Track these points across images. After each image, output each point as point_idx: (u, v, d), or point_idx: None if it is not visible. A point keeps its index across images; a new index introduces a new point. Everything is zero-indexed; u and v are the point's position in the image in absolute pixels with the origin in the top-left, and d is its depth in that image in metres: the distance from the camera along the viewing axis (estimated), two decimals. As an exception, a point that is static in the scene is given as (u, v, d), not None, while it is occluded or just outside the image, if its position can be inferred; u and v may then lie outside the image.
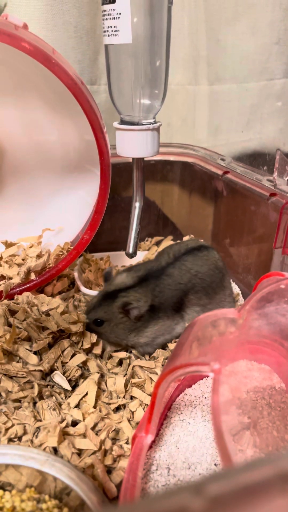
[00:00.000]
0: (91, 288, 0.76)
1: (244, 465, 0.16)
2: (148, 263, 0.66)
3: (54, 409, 0.50)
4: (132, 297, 0.58)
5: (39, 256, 0.69)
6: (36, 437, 0.48)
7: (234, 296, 0.74)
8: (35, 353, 0.55)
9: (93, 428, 0.49)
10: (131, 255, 0.73)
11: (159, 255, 0.69)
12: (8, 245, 0.71)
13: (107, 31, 0.60)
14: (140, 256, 0.89)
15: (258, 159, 0.88)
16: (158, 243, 0.96)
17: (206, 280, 0.64)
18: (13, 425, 0.49)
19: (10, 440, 0.47)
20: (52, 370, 0.54)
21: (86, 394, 0.52)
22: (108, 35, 0.60)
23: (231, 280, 0.83)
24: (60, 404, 0.52)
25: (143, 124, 0.66)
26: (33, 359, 0.54)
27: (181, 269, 0.63)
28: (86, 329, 0.60)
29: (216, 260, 0.68)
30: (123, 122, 0.68)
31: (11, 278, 0.67)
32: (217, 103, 1.06)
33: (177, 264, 0.64)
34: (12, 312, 0.60)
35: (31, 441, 0.47)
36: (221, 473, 0.16)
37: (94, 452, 0.46)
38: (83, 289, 0.73)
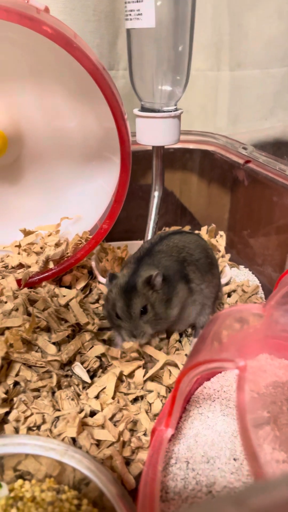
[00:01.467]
0: (108, 278, 0.76)
1: (285, 477, 0.15)
2: (134, 254, 0.65)
3: (72, 399, 0.50)
4: (144, 272, 0.57)
5: (57, 245, 0.69)
6: (55, 426, 0.48)
7: (220, 296, 0.72)
8: (53, 343, 0.55)
9: (111, 419, 0.49)
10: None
11: (142, 244, 0.68)
12: (26, 233, 0.70)
13: (130, 14, 0.58)
14: (158, 246, 0.88)
15: (282, 148, 0.86)
16: (175, 233, 0.95)
17: (194, 255, 0.63)
18: (32, 414, 0.49)
19: (29, 429, 0.47)
20: (70, 360, 0.54)
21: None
22: (131, 19, 0.59)
23: (251, 272, 0.82)
24: (78, 395, 0.52)
25: (164, 111, 0.64)
26: (52, 349, 0.54)
27: (168, 245, 0.63)
28: (135, 335, 0.56)
29: (205, 246, 0.67)
30: (143, 109, 0.67)
31: (29, 267, 0.66)
32: (238, 89, 1.04)
33: (164, 242, 0.63)
34: (32, 302, 0.60)
35: (50, 430, 0.47)
36: (261, 485, 0.15)
37: (113, 443, 0.46)
38: (101, 278, 0.73)
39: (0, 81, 0.63)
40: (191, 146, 0.90)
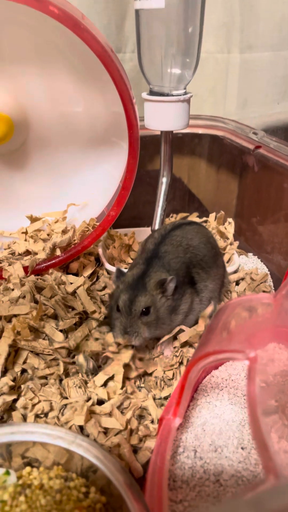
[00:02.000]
0: (114, 265, 0.75)
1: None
2: (140, 255, 0.63)
3: (80, 387, 0.50)
4: (155, 275, 0.56)
5: (64, 231, 0.68)
6: (63, 414, 0.48)
7: (226, 283, 0.71)
8: (61, 330, 0.55)
9: (118, 407, 0.49)
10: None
11: (144, 242, 0.66)
12: (33, 219, 0.70)
13: (139, -6, 0.57)
14: (165, 233, 0.88)
15: (293, 134, 0.84)
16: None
17: (199, 254, 0.62)
18: (39, 401, 0.49)
19: (37, 416, 0.48)
20: (77, 348, 0.54)
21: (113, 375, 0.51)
22: (140, -1, 0.57)
23: (260, 259, 0.81)
24: (86, 382, 0.52)
25: (173, 95, 0.63)
26: (59, 336, 0.54)
27: (173, 245, 0.61)
28: (128, 332, 0.53)
29: (206, 235, 0.65)
30: (152, 92, 0.65)
31: (36, 254, 0.66)
32: (248, 72, 1.01)
33: (168, 241, 0.61)
34: (39, 289, 0.59)
35: (58, 418, 0.47)
36: (279, 488, 0.15)
37: (120, 431, 0.46)
38: (108, 265, 0.72)
39: (6, 64, 0.62)
40: (200, 131, 0.88)
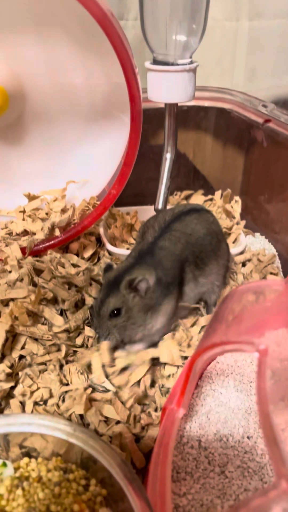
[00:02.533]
0: (116, 245, 0.73)
1: None
2: (137, 245, 0.60)
3: (82, 373, 0.48)
4: (136, 272, 0.53)
5: (63, 210, 0.65)
6: (63, 401, 0.46)
7: (230, 266, 0.68)
8: (61, 314, 0.53)
9: (120, 394, 0.47)
10: (160, 211, 0.69)
11: (143, 230, 0.62)
12: (31, 198, 0.67)
13: None
14: (169, 212, 0.85)
15: (306, 106, 0.80)
16: (187, 198, 0.91)
17: (195, 251, 0.59)
18: (38, 388, 0.47)
19: (36, 403, 0.46)
20: (80, 332, 0.52)
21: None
22: None
23: (267, 240, 0.78)
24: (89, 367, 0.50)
25: (178, 65, 0.59)
26: (59, 320, 0.52)
27: (171, 240, 0.57)
28: (98, 333, 0.53)
29: (207, 222, 0.62)
30: (155, 62, 0.61)
31: (34, 234, 0.63)
32: (257, 41, 0.96)
33: (166, 236, 0.58)
34: (37, 271, 0.57)
35: (57, 405, 0.46)
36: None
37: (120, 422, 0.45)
38: (109, 246, 0.70)
39: (1, 32, 0.58)
40: (206, 103, 0.84)
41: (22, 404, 0.47)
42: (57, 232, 0.63)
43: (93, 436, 0.38)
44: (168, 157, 0.69)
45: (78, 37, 0.58)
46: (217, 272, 0.61)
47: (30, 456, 0.40)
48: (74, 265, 0.61)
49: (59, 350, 0.51)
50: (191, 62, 0.60)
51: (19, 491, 0.36)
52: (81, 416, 0.45)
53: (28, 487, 0.36)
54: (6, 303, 0.51)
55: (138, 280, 0.51)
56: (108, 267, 0.56)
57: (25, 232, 0.65)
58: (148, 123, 0.75)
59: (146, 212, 0.80)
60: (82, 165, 0.69)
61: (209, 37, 0.94)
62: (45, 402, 0.47)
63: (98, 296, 0.53)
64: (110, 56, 0.52)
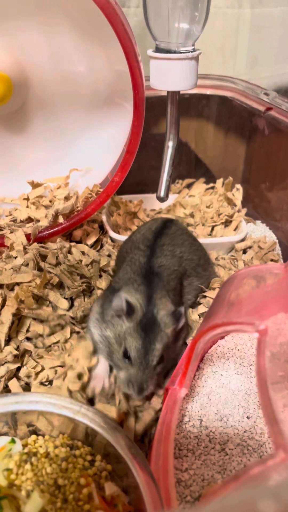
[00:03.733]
0: (119, 233, 0.74)
1: None
2: (132, 266, 0.54)
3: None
4: (165, 301, 0.47)
5: (67, 198, 0.66)
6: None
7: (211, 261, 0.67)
8: (66, 299, 0.54)
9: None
10: (162, 199, 0.69)
11: (122, 253, 0.59)
12: (34, 185, 0.68)
13: None
14: (171, 200, 0.85)
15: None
16: (189, 186, 0.91)
17: (193, 258, 0.58)
18: (43, 369, 0.48)
19: (41, 383, 0.47)
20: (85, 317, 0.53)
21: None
22: None
23: (268, 227, 0.79)
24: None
25: (181, 52, 0.59)
26: (64, 303, 0.53)
27: (167, 256, 0.55)
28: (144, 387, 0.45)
29: (186, 230, 0.63)
30: (158, 49, 0.61)
31: (38, 221, 0.64)
32: (260, 29, 0.96)
33: (158, 253, 0.54)
34: (43, 257, 0.58)
35: (61, 386, 0.47)
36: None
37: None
38: (112, 233, 0.70)
39: (4, 20, 0.58)
40: (208, 91, 0.84)
41: (28, 385, 0.48)
42: (60, 219, 0.64)
43: (98, 413, 0.39)
44: (170, 145, 0.70)
45: (81, 25, 0.59)
46: (201, 275, 0.61)
47: (37, 434, 0.42)
48: (84, 253, 0.62)
49: (63, 328, 0.52)
50: (194, 50, 0.60)
51: (27, 466, 0.37)
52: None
53: (36, 462, 0.38)
54: (11, 287, 0.53)
55: (181, 312, 0.46)
56: (129, 308, 0.46)
57: (29, 219, 0.66)
58: (150, 111, 0.75)
59: (148, 200, 0.81)
60: (85, 153, 0.70)
61: (212, 24, 0.94)
62: (50, 382, 0.48)
63: (133, 344, 0.44)
64: (113, 44, 0.52)
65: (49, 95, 0.65)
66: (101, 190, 0.64)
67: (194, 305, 0.61)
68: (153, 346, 0.44)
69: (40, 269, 0.55)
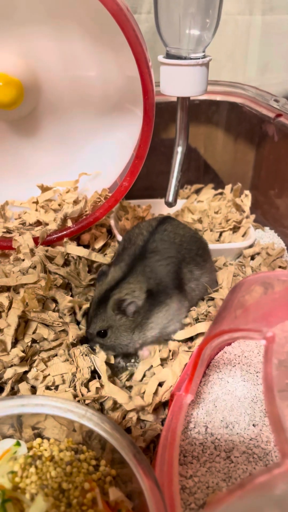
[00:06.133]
0: (127, 237, 0.74)
1: None
2: (127, 249, 0.59)
3: (86, 355, 0.50)
4: (125, 290, 0.52)
5: (75, 202, 0.66)
6: (74, 389, 0.48)
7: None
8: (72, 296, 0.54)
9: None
10: (171, 204, 0.69)
11: (128, 238, 0.62)
12: (44, 189, 0.68)
13: None
14: (180, 205, 0.85)
15: None
16: (197, 191, 0.91)
17: (193, 248, 0.59)
18: (48, 374, 0.48)
19: (47, 388, 0.47)
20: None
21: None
22: None
23: (277, 234, 0.79)
24: (93, 349, 0.52)
25: (191, 59, 0.59)
26: (67, 299, 0.53)
27: (164, 241, 0.57)
28: (90, 346, 0.53)
29: (192, 230, 0.64)
30: (169, 55, 0.62)
31: (47, 224, 0.65)
32: (270, 36, 0.96)
33: (157, 237, 0.57)
34: (50, 260, 0.58)
35: (67, 390, 0.47)
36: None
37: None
38: (120, 237, 0.71)
39: (17, 25, 0.59)
40: (218, 97, 0.84)
41: (34, 388, 0.48)
42: (69, 223, 0.64)
43: (103, 418, 0.39)
44: (179, 150, 0.70)
45: (93, 31, 0.59)
46: (212, 274, 0.62)
47: (42, 437, 0.42)
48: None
49: (68, 334, 0.52)
50: (204, 56, 0.60)
51: (32, 469, 0.37)
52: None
53: (41, 465, 0.38)
54: (18, 290, 0.53)
55: (127, 303, 0.51)
56: (102, 274, 0.55)
57: (38, 223, 0.66)
58: (160, 117, 0.76)
59: (156, 205, 0.82)
60: (94, 157, 0.70)
61: (223, 31, 0.94)
62: (56, 387, 0.48)
63: (90, 309, 0.53)
64: (124, 50, 0.53)
65: (60, 99, 0.66)
66: (110, 194, 0.65)
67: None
68: (94, 319, 0.52)
69: (47, 271, 0.55)
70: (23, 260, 0.57)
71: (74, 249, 0.60)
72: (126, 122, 0.66)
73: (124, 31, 0.49)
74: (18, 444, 0.40)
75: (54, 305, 0.53)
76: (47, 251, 0.59)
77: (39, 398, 0.40)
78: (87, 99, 0.66)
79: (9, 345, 0.47)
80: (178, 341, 0.55)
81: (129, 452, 0.38)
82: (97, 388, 0.46)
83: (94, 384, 0.48)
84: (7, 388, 0.46)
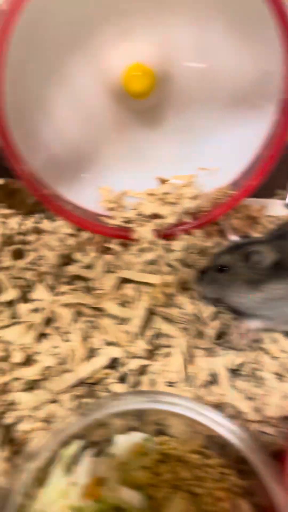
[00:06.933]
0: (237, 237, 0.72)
1: None
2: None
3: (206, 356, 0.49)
4: (258, 246, 0.51)
5: (194, 197, 0.65)
6: (192, 386, 0.47)
7: None
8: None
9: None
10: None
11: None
12: (162, 181, 0.67)
13: None
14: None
15: None
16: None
17: None
18: (168, 370, 0.48)
19: (169, 384, 0.47)
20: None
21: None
22: None
23: None
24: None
25: None
26: (189, 307, 0.52)
27: None
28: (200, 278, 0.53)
29: None
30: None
31: (165, 217, 0.64)
32: None
33: None
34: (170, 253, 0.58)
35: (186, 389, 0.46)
36: None
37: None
38: (231, 236, 0.69)
39: (157, 11, 0.58)
40: None
41: (153, 382, 0.48)
42: (187, 218, 0.63)
43: (235, 425, 0.38)
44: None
45: (235, 22, 0.57)
46: None
47: (169, 436, 0.41)
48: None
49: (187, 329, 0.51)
50: None
51: (164, 467, 0.37)
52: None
53: (172, 464, 0.37)
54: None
55: (254, 251, 0.50)
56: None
57: (154, 215, 0.66)
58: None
59: (272, 205, 0.78)
60: (214, 153, 0.68)
61: None
62: (171, 384, 0.47)
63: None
64: (268, 42, 0.50)
65: (189, 91, 0.64)
66: (231, 192, 0.63)
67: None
68: (225, 251, 0.54)
69: (170, 265, 0.55)
70: (145, 252, 0.57)
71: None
72: (254, 119, 0.64)
73: (282, 23, 0.47)
74: (148, 439, 0.39)
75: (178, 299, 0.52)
76: (166, 245, 0.58)
77: (172, 396, 0.40)
78: (216, 91, 0.64)
79: (135, 336, 0.47)
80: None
81: (264, 465, 0.36)
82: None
83: (213, 387, 0.46)
84: (130, 379, 0.46)
